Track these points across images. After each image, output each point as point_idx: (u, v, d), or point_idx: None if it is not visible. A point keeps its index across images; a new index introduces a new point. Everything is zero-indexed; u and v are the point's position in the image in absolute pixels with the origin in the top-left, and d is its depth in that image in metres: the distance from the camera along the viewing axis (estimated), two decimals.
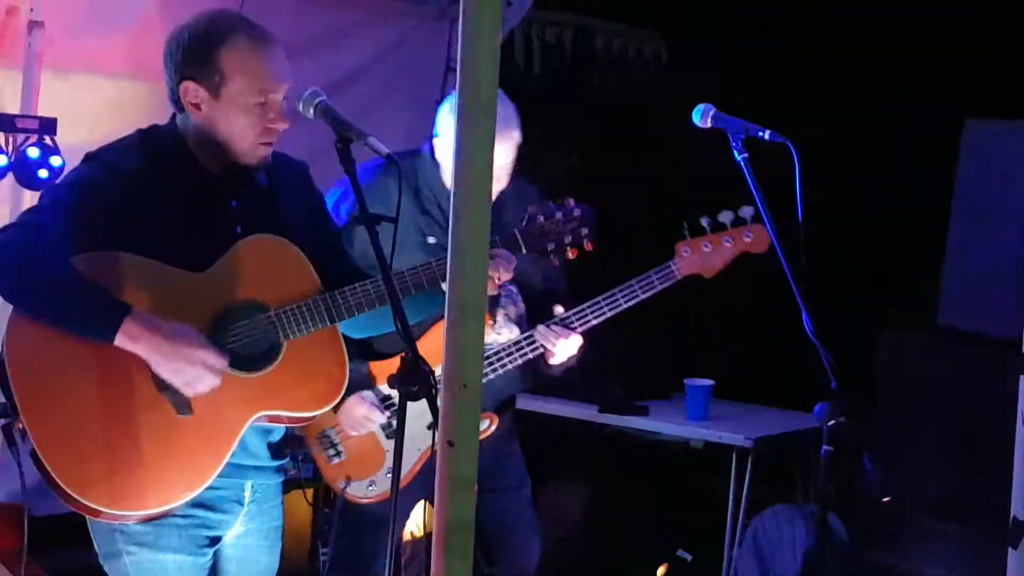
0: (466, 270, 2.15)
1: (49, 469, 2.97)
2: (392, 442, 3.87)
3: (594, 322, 4.04)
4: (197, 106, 3.13)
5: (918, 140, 4.15)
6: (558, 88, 6.30)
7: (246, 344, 3.12)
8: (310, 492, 5.47)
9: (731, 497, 5.66)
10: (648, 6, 4.27)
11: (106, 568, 3.19)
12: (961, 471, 4.61)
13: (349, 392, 3.72)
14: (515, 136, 4.10)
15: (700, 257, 3.95)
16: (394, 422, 4.00)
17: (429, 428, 3.89)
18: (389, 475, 3.94)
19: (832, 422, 3.42)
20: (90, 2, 5.47)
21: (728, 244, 3.93)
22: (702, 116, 3.74)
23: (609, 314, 4.03)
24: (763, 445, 5.58)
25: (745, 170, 3.62)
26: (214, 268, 3.14)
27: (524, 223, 3.47)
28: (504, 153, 4.02)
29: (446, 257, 2.13)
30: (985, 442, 4.09)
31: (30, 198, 5.03)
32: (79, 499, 2.99)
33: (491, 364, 4.17)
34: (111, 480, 3.01)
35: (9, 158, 4.78)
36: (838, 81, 6.44)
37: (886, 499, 3.96)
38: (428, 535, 3.91)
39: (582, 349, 4.21)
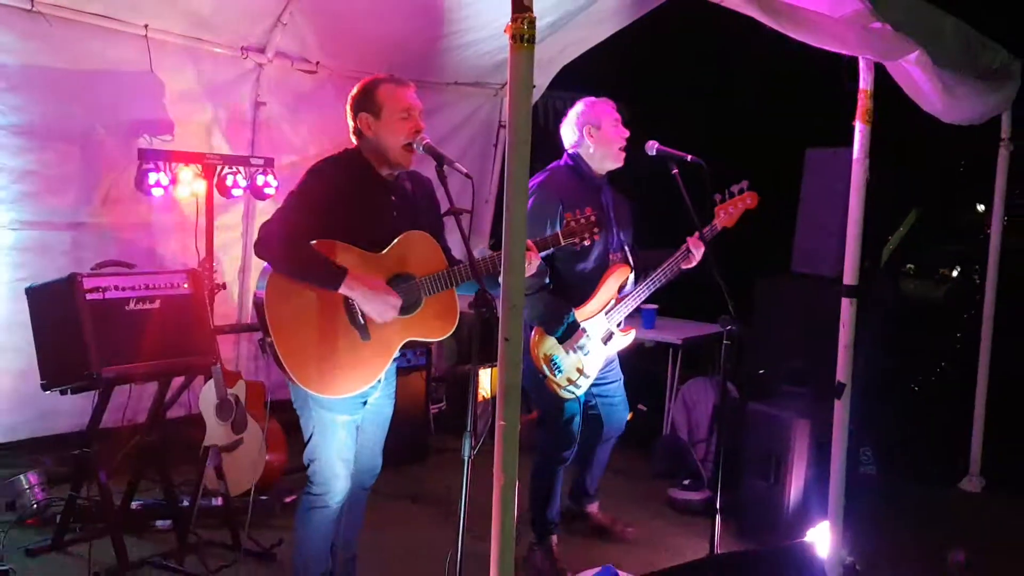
0: (512, 242, 2.18)
1: (286, 368, 3.01)
2: (588, 358, 3.90)
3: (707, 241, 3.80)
4: (368, 126, 3.12)
5: (777, 162, 4.17)
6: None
7: (403, 298, 3.11)
8: (423, 373, 5.53)
9: (669, 373, 5.65)
10: (619, 86, 4.28)
11: (299, 414, 3.20)
12: (807, 356, 4.61)
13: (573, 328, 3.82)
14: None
15: (727, 215, 3.87)
16: (587, 344, 3.89)
17: (605, 343, 3.95)
18: (585, 379, 3.91)
19: (729, 328, 3.44)
20: (296, 95, 5.51)
21: (740, 206, 3.88)
22: (649, 148, 3.70)
23: (708, 239, 3.79)
24: (688, 343, 5.56)
25: (678, 181, 3.58)
26: (387, 250, 3.13)
27: (563, 223, 3.37)
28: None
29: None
30: (821, 339, 4.07)
31: (260, 204, 5.16)
32: (302, 386, 3.03)
33: (658, 275, 3.90)
34: (322, 376, 3.04)
35: (247, 181, 4.80)
36: (730, 123, 6.44)
37: (761, 372, 3.96)
38: (493, 396, 3.86)
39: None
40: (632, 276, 4.00)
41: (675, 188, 3.54)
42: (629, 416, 4.33)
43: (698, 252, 3.84)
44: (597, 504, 4.48)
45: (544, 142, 4.12)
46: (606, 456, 4.38)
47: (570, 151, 4.02)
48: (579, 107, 4.02)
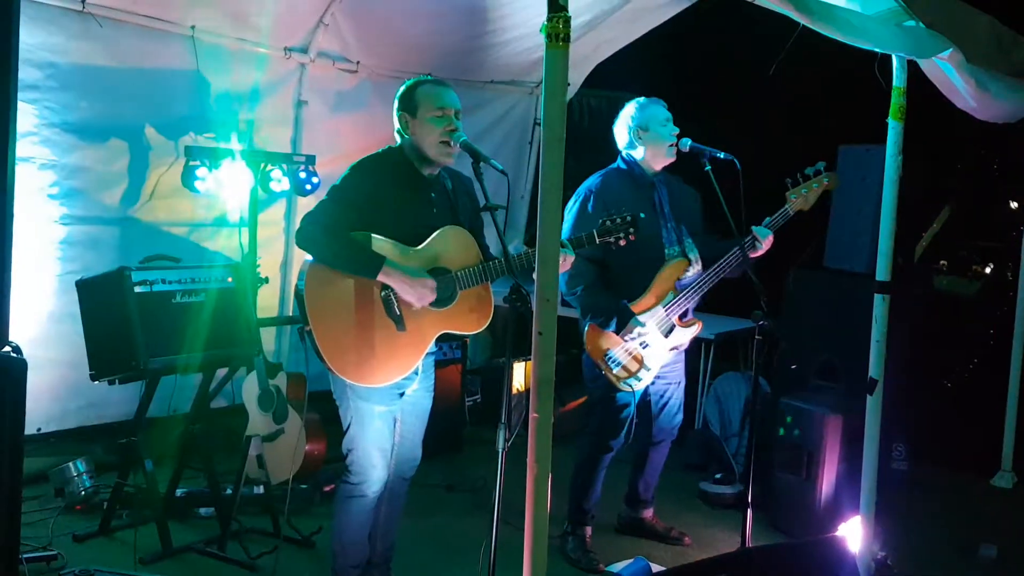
0: (546, 237, 2.14)
1: (324, 356, 3.02)
2: (648, 350, 3.82)
3: (776, 228, 3.74)
4: (407, 126, 3.14)
5: (811, 158, 4.09)
6: (598, 136, 6.29)
7: (439, 291, 3.10)
8: (459, 366, 5.52)
9: (702, 368, 5.60)
10: (652, 85, 4.23)
11: (338, 404, 3.21)
12: (837, 351, 4.53)
13: (624, 319, 3.76)
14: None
15: (802, 199, 3.76)
16: (645, 337, 3.80)
17: (666, 335, 3.85)
18: (646, 371, 3.83)
19: (761, 323, 3.40)
20: (337, 94, 5.52)
21: (816, 188, 3.75)
22: (682, 145, 3.71)
23: (777, 226, 3.74)
24: (721, 337, 5.51)
25: (711, 177, 3.55)
26: (424, 245, 3.13)
27: (599, 224, 3.31)
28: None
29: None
30: (852, 334, 4.00)
31: (302, 200, 5.17)
32: (339, 375, 3.04)
33: (719, 266, 3.77)
34: (358, 366, 3.05)
35: (289, 178, 4.82)
36: (764, 120, 6.36)
37: (793, 367, 3.89)
38: (527, 389, 3.82)
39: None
40: (698, 267, 3.92)
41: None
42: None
43: (766, 241, 3.75)
44: (652, 510, 4.32)
45: (577, 139, 4.08)
46: (660, 461, 4.23)
47: (623, 153, 4.01)
48: (629, 109, 3.99)
